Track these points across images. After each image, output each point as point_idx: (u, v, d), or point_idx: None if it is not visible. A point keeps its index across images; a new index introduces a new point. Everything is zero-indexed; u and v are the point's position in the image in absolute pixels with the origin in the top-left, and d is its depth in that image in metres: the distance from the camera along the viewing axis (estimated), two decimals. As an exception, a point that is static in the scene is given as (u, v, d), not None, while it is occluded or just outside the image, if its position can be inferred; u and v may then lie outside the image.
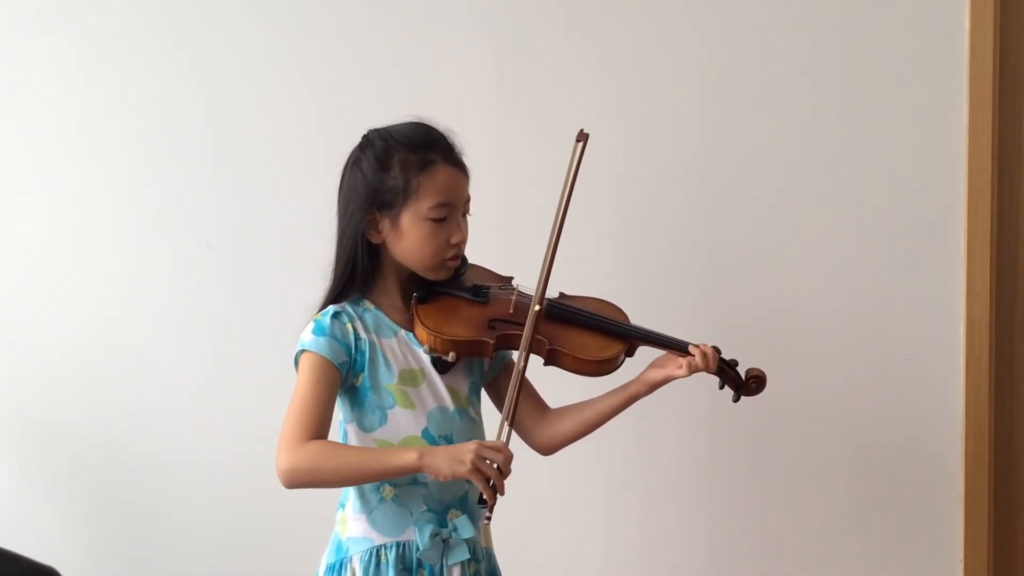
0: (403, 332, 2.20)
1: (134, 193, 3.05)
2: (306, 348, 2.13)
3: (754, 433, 2.98)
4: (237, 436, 3.05)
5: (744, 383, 2.31)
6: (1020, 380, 3.01)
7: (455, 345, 2.14)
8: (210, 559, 3.10)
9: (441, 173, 2.14)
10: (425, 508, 2.14)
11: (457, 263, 2.21)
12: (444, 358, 2.15)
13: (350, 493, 2.19)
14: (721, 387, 2.32)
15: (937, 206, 2.94)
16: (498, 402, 2.32)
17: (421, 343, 2.17)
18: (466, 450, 2.00)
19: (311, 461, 2.04)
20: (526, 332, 2.13)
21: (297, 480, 2.05)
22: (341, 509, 2.21)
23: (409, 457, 2.02)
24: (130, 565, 3.12)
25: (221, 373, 3.06)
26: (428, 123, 2.21)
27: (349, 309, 2.18)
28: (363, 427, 2.16)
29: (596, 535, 3.04)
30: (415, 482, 2.14)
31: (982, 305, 2.93)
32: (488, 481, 2.00)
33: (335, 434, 2.16)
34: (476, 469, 1.98)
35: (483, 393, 2.33)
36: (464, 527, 2.15)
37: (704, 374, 2.28)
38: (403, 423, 2.15)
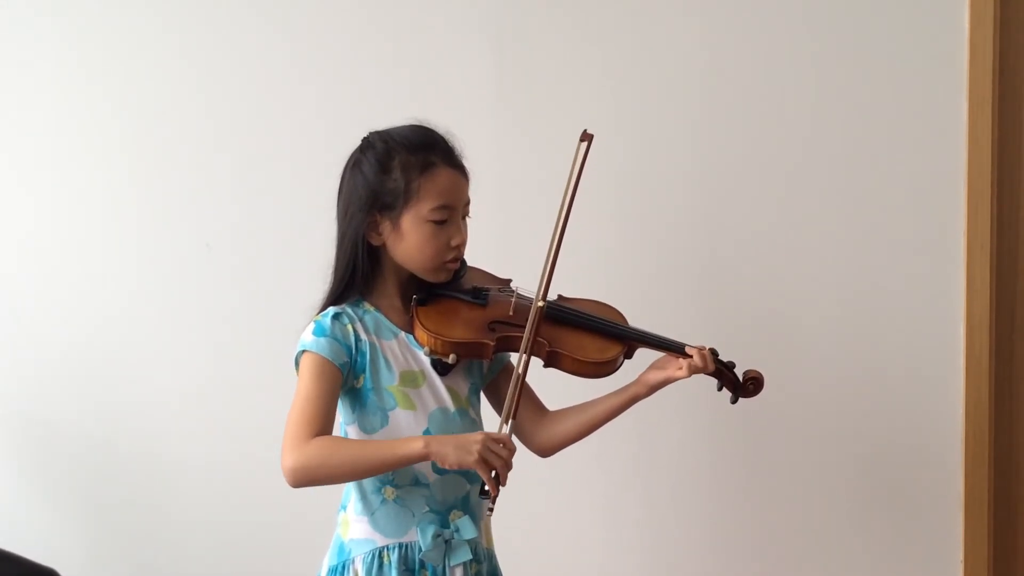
0: (403, 334, 2.20)
1: (134, 193, 3.05)
2: (307, 349, 2.13)
3: (754, 434, 2.98)
4: (237, 436, 3.05)
5: (742, 384, 2.32)
6: (1020, 380, 3.01)
7: (455, 347, 2.14)
8: (210, 560, 3.10)
9: (442, 175, 2.14)
10: (427, 509, 2.14)
11: (457, 265, 2.22)
12: (444, 360, 2.16)
13: (351, 495, 2.19)
14: (719, 389, 2.33)
15: (937, 206, 2.94)
16: (497, 404, 2.32)
17: (421, 345, 2.17)
18: (473, 440, 2.01)
19: (316, 458, 2.03)
20: (528, 325, 2.13)
21: (303, 478, 2.04)
22: (342, 511, 2.21)
23: (416, 446, 2.02)
24: (130, 565, 3.12)
25: (221, 373, 3.06)
26: (428, 125, 2.21)
27: (349, 311, 2.19)
28: (364, 429, 2.16)
29: (596, 535, 3.04)
30: (417, 483, 2.14)
31: (982, 305, 2.93)
32: (492, 473, 2.01)
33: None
34: (483, 460, 1.99)
35: (482, 395, 2.33)
36: (466, 528, 2.15)
37: (703, 376, 2.28)
38: (404, 424, 2.15)
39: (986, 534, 2.95)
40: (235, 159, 3.03)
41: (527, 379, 2.21)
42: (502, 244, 2.80)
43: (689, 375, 2.22)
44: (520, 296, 2.26)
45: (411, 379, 2.17)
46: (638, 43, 2.95)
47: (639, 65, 2.96)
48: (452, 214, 2.16)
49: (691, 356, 2.22)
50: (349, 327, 2.16)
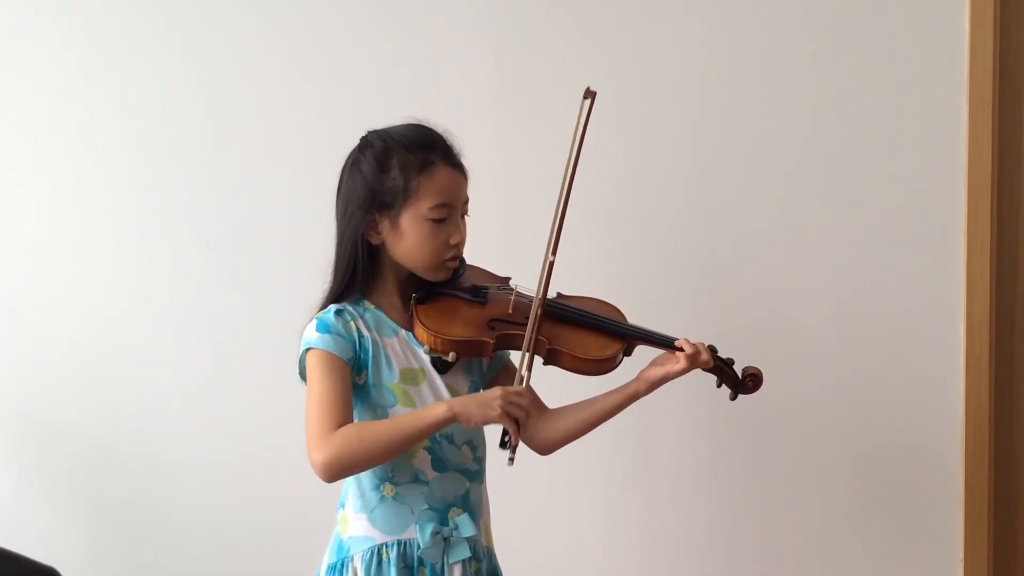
0: (404, 332, 2.20)
1: (134, 193, 3.05)
2: (312, 346, 2.13)
3: (754, 433, 2.98)
4: (237, 436, 3.05)
5: (741, 381, 2.34)
6: (1020, 380, 3.01)
7: (455, 345, 2.14)
8: (210, 559, 3.10)
9: (440, 174, 2.15)
10: (426, 507, 2.14)
11: (456, 264, 2.22)
12: (444, 358, 2.16)
13: (350, 492, 2.19)
14: (719, 385, 2.34)
15: (937, 206, 2.94)
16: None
17: (421, 343, 2.17)
18: (493, 396, 2.04)
19: (346, 447, 2.03)
20: (539, 281, 2.15)
21: (337, 469, 2.05)
22: (341, 509, 2.21)
23: (439, 411, 2.04)
24: (130, 564, 3.12)
25: (221, 373, 3.06)
26: (426, 124, 2.21)
27: (350, 308, 2.19)
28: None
29: (596, 534, 3.04)
30: (416, 480, 2.14)
31: (982, 305, 2.93)
32: (516, 423, 2.04)
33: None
34: (505, 412, 2.03)
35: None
36: (465, 525, 2.15)
37: (702, 373, 2.29)
38: (404, 422, 2.15)
39: (986, 534, 2.95)
40: (235, 159, 3.03)
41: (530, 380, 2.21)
42: (502, 243, 2.80)
43: (687, 367, 2.22)
44: (519, 294, 2.26)
45: (411, 377, 2.17)
46: (638, 43, 2.96)
47: (639, 65, 2.96)
48: (451, 212, 2.16)
49: (683, 348, 2.23)
50: (352, 323, 2.16)
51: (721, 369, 2.31)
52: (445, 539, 2.13)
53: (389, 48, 2.99)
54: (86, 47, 3.04)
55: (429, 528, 2.12)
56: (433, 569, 2.13)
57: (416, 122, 2.22)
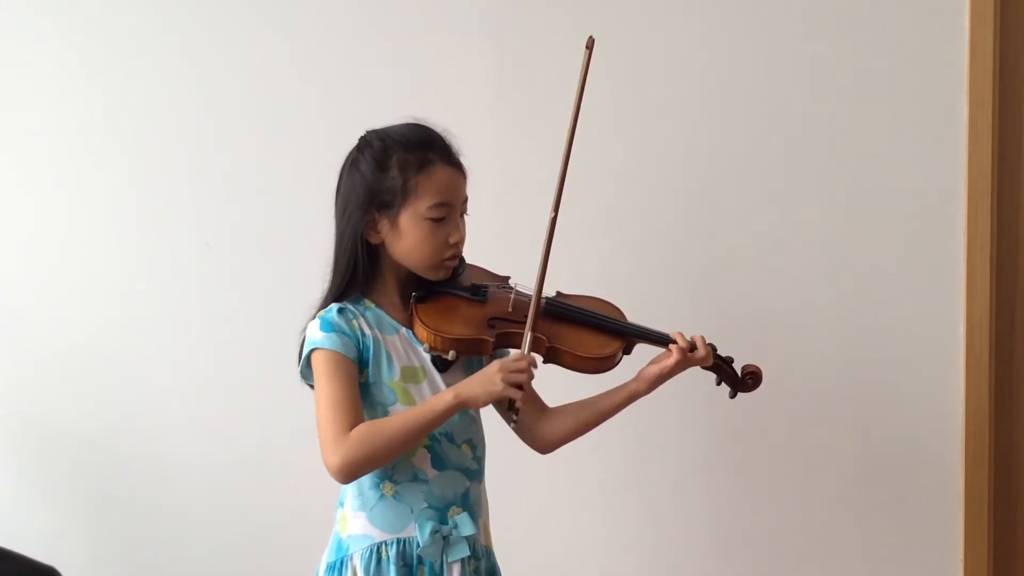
0: (404, 330, 2.21)
1: (134, 193, 3.05)
2: (318, 346, 2.14)
3: (753, 433, 2.98)
4: (237, 436, 3.05)
5: (740, 379, 2.34)
6: (1020, 380, 3.01)
7: (455, 343, 2.14)
8: (210, 559, 3.10)
9: (439, 173, 2.15)
10: (425, 505, 2.14)
11: (456, 263, 2.22)
12: (444, 356, 2.16)
13: (349, 491, 2.19)
14: (718, 383, 2.35)
15: (937, 206, 2.94)
16: (497, 402, 2.33)
17: (421, 342, 2.17)
18: (492, 371, 2.07)
19: (360, 448, 2.05)
20: (543, 248, 2.17)
21: (355, 470, 2.07)
22: (340, 508, 2.21)
23: (446, 399, 2.07)
24: (130, 564, 3.12)
25: (221, 373, 3.06)
26: (425, 123, 2.22)
27: (351, 307, 2.19)
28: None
29: (595, 533, 3.04)
30: (415, 479, 2.15)
31: (982, 305, 2.93)
32: (519, 388, 2.06)
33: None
34: (509, 384, 2.05)
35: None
36: (464, 524, 2.16)
37: (702, 372, 2.30)
38: (404, 420, 2.15)
39: (986, 534, 2.94)
40: (235, 159, 3.03)
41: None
42: (502, 243, 2.80)
43: (680, 359, 2.22)
44: (519, 293, 2.27)
45: (412, 375, 2.18)
46: (637, 43, 2.96)
47: (638, 65, 2.96)
48: (450, 212, 2.17)
49: (675, 340, 2.24)
50: (354, 321, 2.16)
51: (720, 367, 2.32)
52: (444, 538, 2.13)
53: (389, 48, 3.00)
54: (86, 47, 3.04)
55: (428, 527, 2.12)
56: (432, 568, 2.13)
57: (415, 121, 2.22)
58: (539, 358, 2.19)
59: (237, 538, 3.09)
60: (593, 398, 2.30)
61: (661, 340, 2.27)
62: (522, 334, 2.15)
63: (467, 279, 2.28)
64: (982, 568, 2.96)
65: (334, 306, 2.17)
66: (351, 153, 2.23)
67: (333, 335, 2.13)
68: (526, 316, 2.16)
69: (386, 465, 2.13)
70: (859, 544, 3.00)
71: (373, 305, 2.21)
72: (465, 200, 2.21)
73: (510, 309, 2.22)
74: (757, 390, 2.36)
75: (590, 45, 2.25)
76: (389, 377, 2.16)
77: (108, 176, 3.06)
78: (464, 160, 2.22)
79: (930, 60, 2.92)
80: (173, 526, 3.11)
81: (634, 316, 2.33)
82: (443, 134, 2.21)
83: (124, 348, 3.08)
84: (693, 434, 2.99)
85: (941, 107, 2.92)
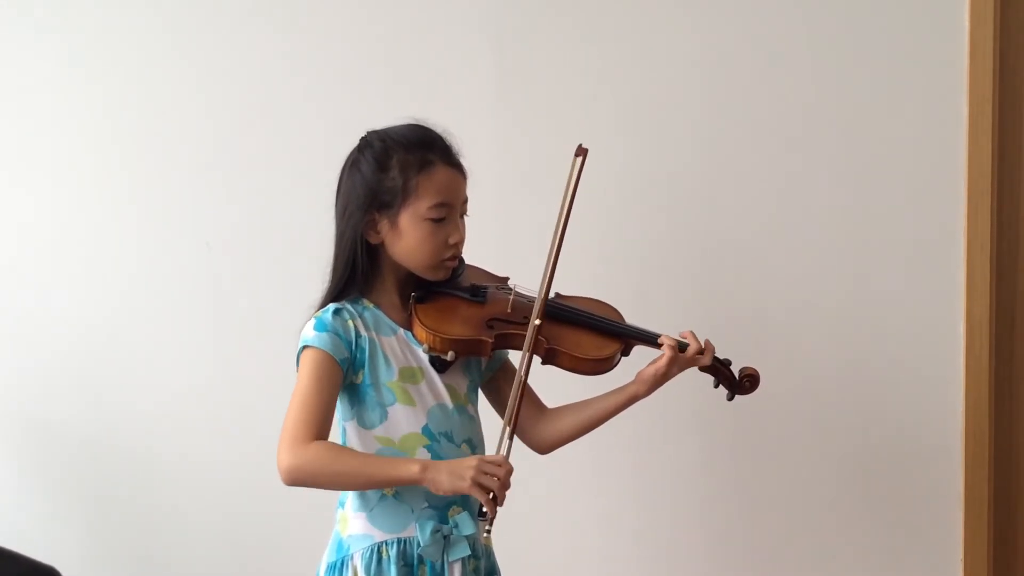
0: (402, 331, 2.21)
1: (134, 193, 3.06)
2: (308, 344, 2.14)
3: (753, 433, 2.98)
4: (237, 436, 3.05)
5: (738, 382, 2.34)
6: (1020, 380, 3.01)
7: (453, 344, 2.15)
8: (211, 559, 3.10)
9: (440, 173, 2.15)
10: (426, 505, 2.15)
11: (455, 263, 2.22)
12: (443, 357, 2.16)
13: (350, 492, 2.19)
14: (716, 386, 2.34)
15: (937, 206, 2.94)
16: (496, 402, 2.33)
17: (420, 342, 2.17)
18: (467, 465, 2.02)
19: (314, 463, 2.05)
20: (526, 343, 2.14)
21: (298, 480, 2.06)
22: (341, 508, 2.22)
23: (411, 470, 2.04)
24: (130, 565, 3.12)
25: (221, 373, 3.06)
26: (426, 124, 2.22)
27: (349, 307, 2.19)
28: (363, 424, 2.17)
29: (593, 533, 3.04)
30: (415, 479, 2.15)
31: (982, 305, 2.92)
32: (489, 494, 2.01)
33: (334, 432, 2.16)
34: (477, 484, 2.01)
35: (482, 392, 2.34)
36: (465, 524, 2.16)
37: (701, 375, 2.29)
38: (403, 420, 2.16)
39: (986, 534, 2.94)
40: (235, 159, 3.03)
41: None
42: (502, 243, 2.80)
43: (671, 357, 2.21)
44: (518, 294, 2.27)
45: (410, 375, 2.18)
46: (637, 43, 2.95)
47: (638, 66, 2.96)
48: (450, 212, 2.17)
49: (662, 341, 2.23)
50: (350, 322, 2.16)
51: (718, 369, 2.31)
52: (445, 537, 2.14)
53: (389, 48, 2.99)
54: (86, 47, 3.04)
55: (429, 526, 2.13)
56: (433, 567, 2.14)
57: (415, 122, 2.22)
58: (538, 359, 2.19)
59: (237, 538, 3.09)
60: (593, 399, 2.30)
61: (656, 341, 2.27)
62: (521, 336, 2.15)
63: (466, 280, 2.28)
64: (982, 568, 2.96)
65: (331, 306, 2.18)
66: (352, 153, 2.23)
67: (325, 335, 2.13)
68: (525, 318, 2.16)
69: None
70: (859, 544, 3.00)
71: (372, 305, 2.22)
72: (465, 201, 2.21)
73: (509, 310, 2.22)
74: (755, 392, 2.36)
75: (581, 153, 2.19)
76: (387, 378, 2.16)
77: (108, 176, 3.06)
78: (464, 160, 2.22)
79: (930, 60, 2.91)
80: (173, 526, 3.11)
81: (633, 318, 2.33)
82: (443, 135, 2.21)
83: (124, 348, 3.08)
84: (692, 434, 2.99)
85: (941, 107, 2.92)
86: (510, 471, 2.05)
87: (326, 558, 2.21)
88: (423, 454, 2.15)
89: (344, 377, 2.15)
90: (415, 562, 2.13)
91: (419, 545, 2.12)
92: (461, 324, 2.17)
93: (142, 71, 3.03)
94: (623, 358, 2.28)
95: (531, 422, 2.32)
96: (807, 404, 2.98)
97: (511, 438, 2.11)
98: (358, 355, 2.16)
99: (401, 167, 2.14)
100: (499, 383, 2.32)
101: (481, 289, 2.25)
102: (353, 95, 2.98)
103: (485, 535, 2.13)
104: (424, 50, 2.99)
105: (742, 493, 3.01)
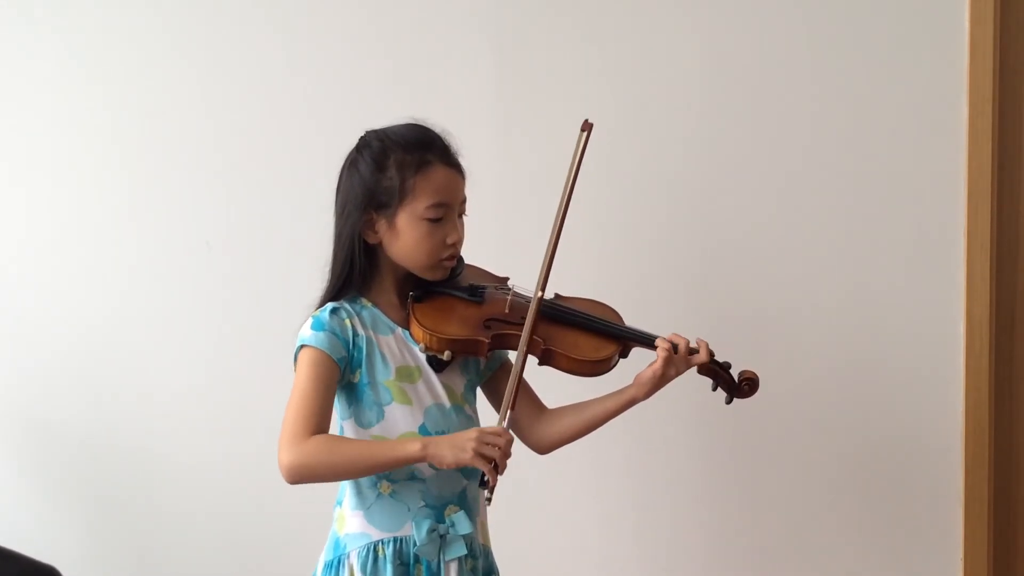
0: (400, 330, 2.21)
1: (134, 193, 3.06)
2: (305, 343, 2.14)
3: (753, 434, 2.98)
4: (236, 435, 3.05)
5: (737, 385, 2.32)
6: (1020, 380, 3.01)
7: (450, 344, 2.15)
8: (210, 558, 3.10)
9: (437, 173, 2.15)
10: (423, 504, 2.15)
11: (453, 263, 2.22)
12: (439, 356, 2.17)
13: (347, 490, 2.19)
14: (714, 389, 2.33)
15: (937, 206, 2.94)
16: (495, 402, 2.33)
17: (417, 342, 2.18)
18: (467, 437, 2.03)
19: (314, 456, 2.05)
20: (529, 315, 2.14)
21: (300, 475, 2.06)
22: (338, 506, 2.22)
23: (413, 448, 2.04)
24: (130, 565, 3.12)
25: (221, 373, 3.06)
26: (424, 124, 2.22)
27: (347, 306, 2.19)
28: (360, 423, 2.17)
29: (592, 534, 3.04)
30: (412, 478, 2.15)
31: (982, 305, 2.92)
32: (491, 463, 2.02)
33: (332, 431, 2.15)
34: (478, 454, 2.02)
35: (481, 392, 2.34)
36: (461, 523, 2.16)
37: (699, 377, 2.29)
38: (400, 419, 2.16)
39: (986, 533, 2.94)
40: (235, 159, 3.03)
41: (526, 376, 2.22)
42: (502, 243, 2.80)
43: (666, 359, 2.21)
44: (516, 294, 2.27)
45: (407, 374, 2.18)
46: (638, 43, 2.96)
47: (638, 66, 2.96)
48: (448, 212, 2.17)
49: (657, 345, 2.23)
50: (347, 322, 2.17)
51: (716, 372, 2.29)
52: (441, 536, 2.14)
53: (389, 48, 2.99)
54: (86, 47, 3.04)
55: (425, 525, 2.13)
56: (429, 566, 2.14)
57: (414, 122, 2.22)
58: (534, 360, 2.19)
59: (237, 538, 3.09)
60: (592, 401, 2.30)
61: (654, 343, 2.26)
62: (518, 336, 2.15)
63: (466, 280, 2.28)
64: (982, 568, 2.96)
65: (328, 305, 2.18)
66: (351, 153, 2.23)
67: (322, 334, 2.13)
68: (522, 318, 2.16)
69: None
70: (859, 544, 3.00)
71: (370, 304, 2.22)
72: (463, 201, 2.21)
73: (507, 310, 2.22)
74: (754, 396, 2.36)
75: (587, 128, 2.21)
76: (384, 376, 2.16)
77: (108, 176, 3.06)
78: (464, 161, 2.22)
79: (930, 60, 2.91)
80: (173, 526, 3.11)
81: (633, 319, 2.32)
82: (442, 134, 2.21)
83: (124, 348, 3.09)
84: (691, 434, 2.99)
85: (941, 107, 2.92)
86: (510, 440, 2.07)
87: (323, 556, 2.22)
88: (419, 453, 2.15)
89: (341, 376, 2.15)
90: (411, 561, 2.13)
91: (415, 544, 2.12)
92: (458, 324, 2.17)
93: (142, 71, 3.03)
94: (622, 360, 2.28)
95: (530, 422, 2.32)
96: (807, 404, 2.98)
97: (512, 407, 2.12)
98: (355, 354, 2.16)
99: (398, 167, 2.14)
100: (499, 383, 2.30)
101: (479, 289, 2.26)
102: (353, 95, 2.98)
103: (486, 503, 2.12)
104: (424, 50, 2.99)
105: (742, 493, 3.01)
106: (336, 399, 2.17)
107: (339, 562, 2.17)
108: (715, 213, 2.97)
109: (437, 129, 2.21)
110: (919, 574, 2.99)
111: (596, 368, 2.22)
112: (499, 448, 2.03)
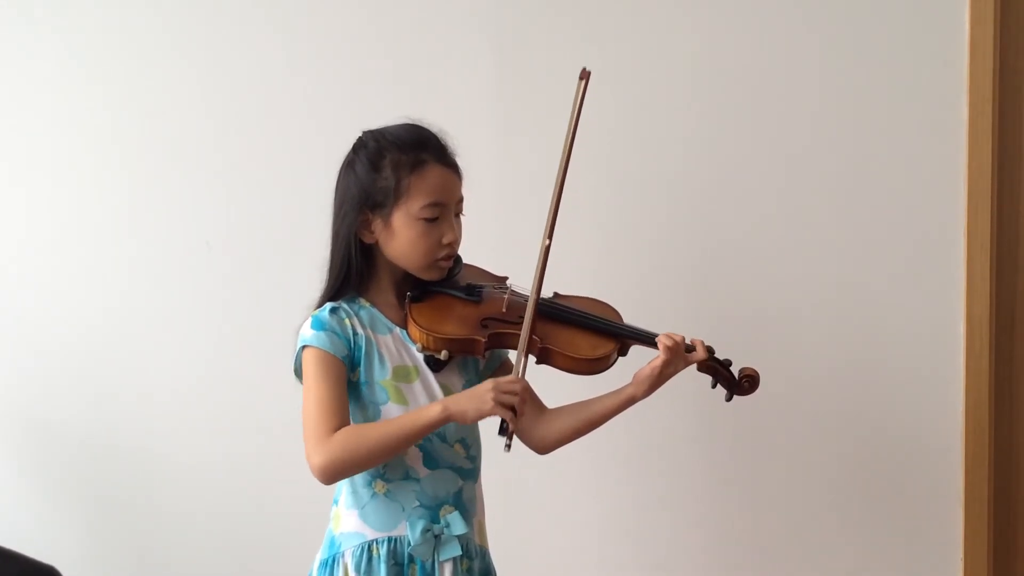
0: (398, 329, 2.21)
1: (134, 193, 3.06)
2: (308, 344, 2.15)
3: (753, 433, 2.98)
4: (236, 435, 3.05)
5: (737, 383, 2.32)
6: (1020, 380, 3.00)
7: (447, 343, 2.15)
8: (208, 557, 3.10)
9: (432, 173, 2.15)
10: (417, 504, 2.15)
11: (450, 263, 2.22)
12: (437, 356, 2.16)
13: (343, 489, 2.20)
14: (714, 386, 2.32)
15: (937, 206, 2.93)
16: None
17: (414, 341, 2.18)
18: (485, 388, 2.05)
19: (344, 451, 2.05)
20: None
21: (335, 472, 2.08)
22: (335, 505, 2.22)
23: (434, 411, 2.06)
24: (130, 565, 3.12)
25: (220, 372, 3.06)
26: (421, 123, 2.22)
27: (345, 306, 2.20)
28: (356, 422, 2.16)
29: (591, 532, 3.04)
30: (407, 477, 2.15)
31: (982, 305, 2.92)
32: (511, 409, 2.04)
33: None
34: (498, 403, 2.03)
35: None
36: (456, 523, 2.16)
37: (699, 375, 2.29)
38: (396, 419, 2.16)
39: (986, 533, 2.94)
40: (235, 159, 3.03)
41: (525, 376, 2.21)
42: (501, 243, 2.80)
43: (667, 358, 2.20)
44: (514, 293, 2.27)
45: (404, 374, 2.18)
46: (637, 44, 2.96)
47: (638, 66, 2.96)
48: (443, 212, 2.17)
49: (660, 341, 2.22)
50: (347, 321, 2.17)
51: (716, 369, 2.29)
52: (436, 536, 2.14)
53: (389, 48, 2.99)
54: (86, 47, 3.04)
55: (420, 525, 2.13)
56: (424, 566, 2.14)
57: (411, 122, 2.23)
58: (532, 359, 2.19)
59: (237, 538, 3.09)
60: (591, 400, 2.29)
61: (654, 341, 2.26)
62: (516, 335, 2.15)
63: (464, 279, 2.28)
64: (982, 568, 2.95)
65: (327, 305, 2.18)
66: (348, 153, 2.24)
67: (323, 334, 2.13)
68: (520, 317, 2.16)
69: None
70: (859, 544, 2.99)
71: (368, 304, 2.22)
72: (460, 200, 2.21)
73: (504, 310, 2.22)
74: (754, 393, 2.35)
75: (585, 77, 2.23)
76: (381, 376, 2.16)
77: (108, 176, 3.06)
78: (463, 160, 2.22)
79: (930, 60, 2.91)
80: (173, 525, 3.11)
81: (633, 318, 2.32)
82: (439, 134, 2.21)
83: (124, 348, 3.09)
84: (691, 434, 2.99)
85: (941, 107, 2.92)
86: (527, 387, 2.11)
87: (319, 555, 2.22)
88: (415, 452, 2.15)
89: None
90: (405, 561, 2.14)
91: (410, 544, 2.13)
92: (455, 323, 2.17)
93: (142, 71, 3.04)
94: (621, 358, 2.28)
95: (530, 421, 2.32)
96: (807, 404, 2.97)
97: (526, 356, 2.13)
98: (355, 353, 2.17)
99: (394, 167, 2.14)
100: (499, 383, 2.32)
101: (477, 288, 2.26)
102: (353, 95, 2.98)
103: (506, 449, 2.09)
104: (424, 50, 2.99)
105: (742, 493, 3.01)
106: None
107: (334, 561, 2.17)
108: (715, 213, 2.97)
109: (434, 129, 2.22)
110: (919, 574, 2.99)
111: (594, 366, 2.22)
112: (517, 394, 2.05)
